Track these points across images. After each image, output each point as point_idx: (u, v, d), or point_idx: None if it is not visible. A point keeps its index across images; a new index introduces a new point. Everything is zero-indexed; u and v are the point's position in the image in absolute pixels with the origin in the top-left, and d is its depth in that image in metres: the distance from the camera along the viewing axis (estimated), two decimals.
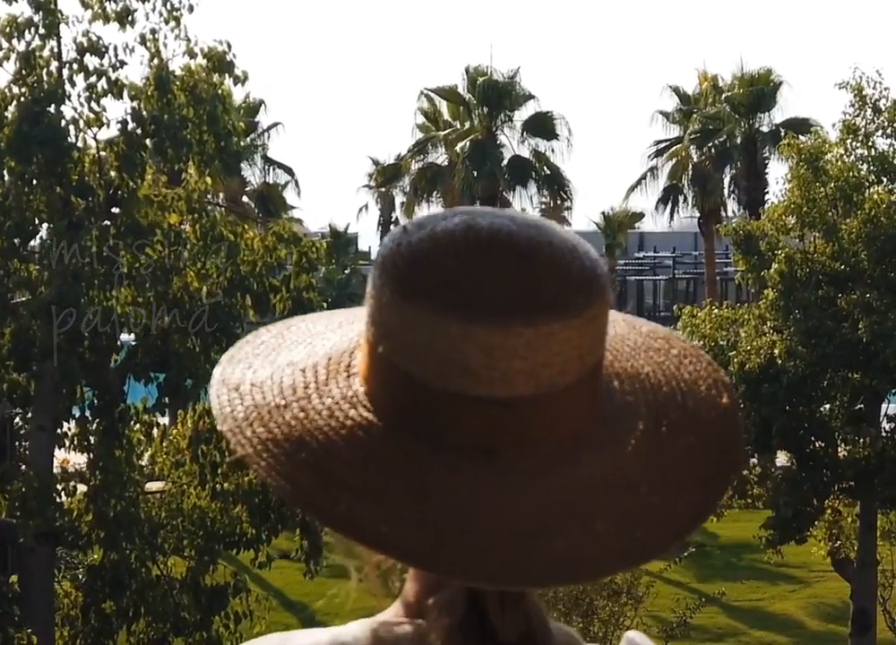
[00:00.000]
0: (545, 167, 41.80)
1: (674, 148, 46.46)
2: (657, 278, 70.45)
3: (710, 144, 44.31)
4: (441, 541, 1.21)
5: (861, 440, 19.93)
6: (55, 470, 15.46)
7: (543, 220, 1.31)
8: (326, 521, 1.24)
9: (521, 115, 42.07)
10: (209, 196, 14.68)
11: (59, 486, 14.10)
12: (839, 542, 21.10)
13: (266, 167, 47.09)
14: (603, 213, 47.94)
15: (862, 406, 20.24)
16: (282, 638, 1.39)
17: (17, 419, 16.04)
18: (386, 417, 1.27)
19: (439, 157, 43.11)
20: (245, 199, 44.25)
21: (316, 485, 1.23)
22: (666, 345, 1.39)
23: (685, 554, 21.76)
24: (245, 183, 45.43)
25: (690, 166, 45.52)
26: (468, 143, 40.90)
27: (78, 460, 15.80)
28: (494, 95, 40.95)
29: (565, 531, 1.21)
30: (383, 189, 49.66)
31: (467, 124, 42.06)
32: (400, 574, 1.38)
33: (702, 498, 1.28)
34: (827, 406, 20.41)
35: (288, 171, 47.75)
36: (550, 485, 1.24)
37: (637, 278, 70.47)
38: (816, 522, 20.57)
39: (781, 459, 21.61)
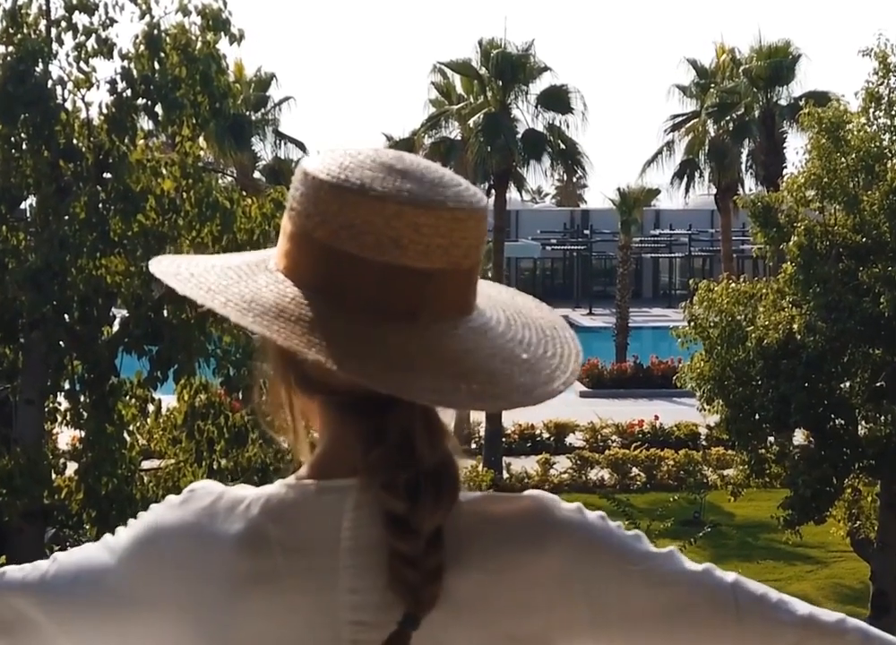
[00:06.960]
0: (560, 142, 41.16)
1: (691, 122, 45.87)
2: (673, 255, 70.08)
3: (728, 118, 43.70)
4: (385, 368, 1.50)
5: (882, 417, 19.54)
6: (63, 447, 15.06)
7: None
8: (295, 346, 1.50)
9: (536, 88, 41.44)
10: (220, 167, 14.18)
11: (49, 463, 13.63)
12: (858, 522, 20.72)
13: (278, 141, 46.68)
14: (619, 190, 47.39)
15: (883, 383, 19.80)
16: (223, 489, 1.66)
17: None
18: (319, 292, 1.54)
19: (452, 131, 42.59)
20: (256, 174, 43.89)
21: (283, 329, 1.50)
22: (500, 288, 1.76)
23: (701, 534, 21.33)
24: (257, 158, 45.06)
25: (707, 140, 44.92)
26: (481, 117, 40.32)
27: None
28: (507, 68, 40.27)
29: (477, 379, 1.55)
30: None
31: (480, 98, 41.44)
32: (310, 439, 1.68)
33: (556, 363, 1.63)
34: (847, 382, 19.97)
35: (300, 146, 47.35)
36: (457, 347, 1.57)
37: (653, 255, 70.10)
38: (836, 502, 20.18)
39: (800, 437, 21.21)
